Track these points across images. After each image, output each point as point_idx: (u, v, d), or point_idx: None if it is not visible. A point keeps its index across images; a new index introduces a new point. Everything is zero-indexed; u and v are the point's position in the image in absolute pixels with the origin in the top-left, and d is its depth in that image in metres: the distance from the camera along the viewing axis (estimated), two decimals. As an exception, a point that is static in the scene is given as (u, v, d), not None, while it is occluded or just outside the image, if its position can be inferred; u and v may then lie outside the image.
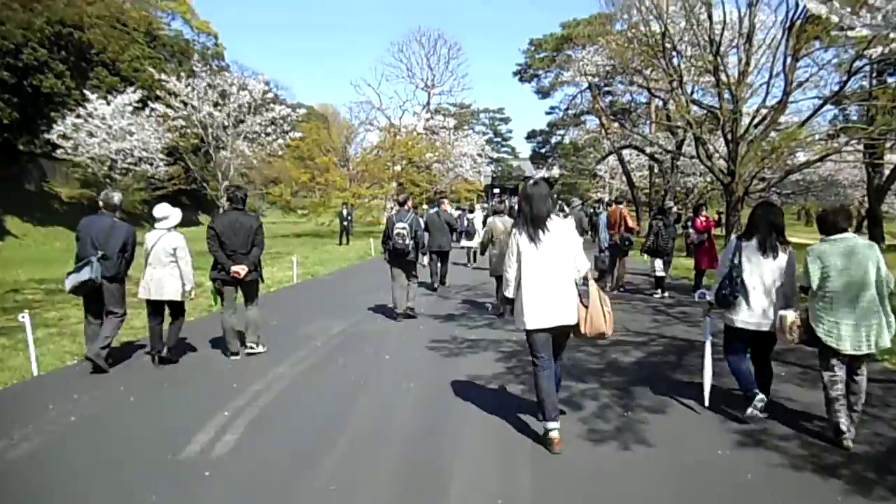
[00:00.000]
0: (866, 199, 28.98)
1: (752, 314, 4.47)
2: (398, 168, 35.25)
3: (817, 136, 23.03)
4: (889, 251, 25.24)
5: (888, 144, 23.25)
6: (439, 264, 12.12)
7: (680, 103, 19.58)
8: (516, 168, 63.03)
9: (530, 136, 52.28)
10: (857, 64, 18.60)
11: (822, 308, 4.14)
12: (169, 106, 25.75)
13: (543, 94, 35.51)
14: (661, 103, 26.52)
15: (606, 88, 27.69)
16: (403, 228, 8.41)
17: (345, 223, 26.14)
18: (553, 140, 47.16)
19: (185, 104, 25.68)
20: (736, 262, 4.49)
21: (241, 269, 6.29)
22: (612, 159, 37.62)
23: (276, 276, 13.59)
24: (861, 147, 21.53)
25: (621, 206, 11.83)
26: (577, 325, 4.18)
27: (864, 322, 4.03)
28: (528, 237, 4.11)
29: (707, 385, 4.88)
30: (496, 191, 50.29)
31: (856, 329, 4.03)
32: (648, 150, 28.70)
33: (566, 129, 38.70)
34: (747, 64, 19.96)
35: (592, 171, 46.05)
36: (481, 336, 7.63)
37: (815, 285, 4.15)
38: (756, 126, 20.26)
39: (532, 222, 4.12)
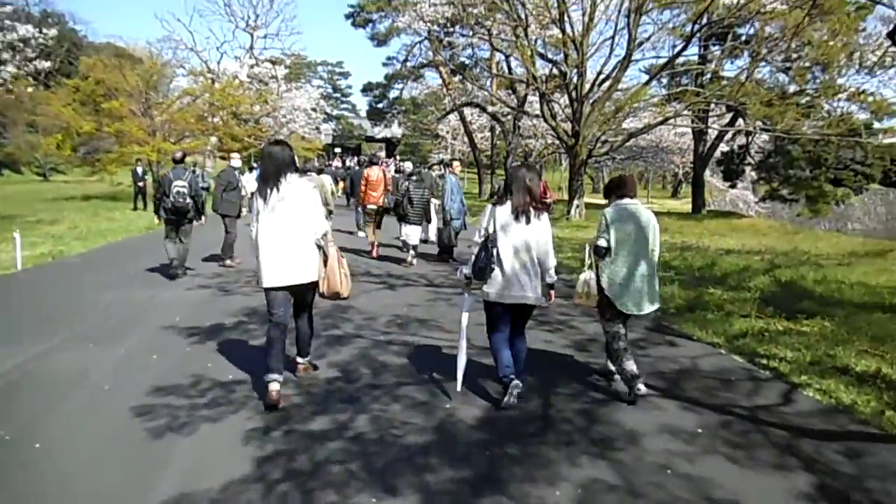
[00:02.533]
0: (689, 165, 30.24)
1: (509, 286, 4.15)
2: (217, 120, 30.38)
3: (655, 99, 22.82)
4: (710, 217, 26.40)
5: (715, 111, 23.78)
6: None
7: (525, 53, 17.80)
8: (358, 126, 59.49)
9: (366, 89, 48.27)
10: (693, 28, 18.19)
11: (612, 270, 4.41)
12: None
13: (379, 41, 32.36)
14: (503, 58, 24.85)
15: (447, 39, 25.36)
16: (183, 187, 8.17)
17: (140, 184, 21.46)
18: (391, 94, 44.07)
19: None
20: (491, 230, 4.20)
21: None
22: (453, 118, 35.90)
23: (-10, 260, 9.62)
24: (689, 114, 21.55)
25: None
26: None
27: (648, 284, 4.43)
28: (261, 196, 4.15)
29: (461, 367, 4.42)
30: (337, 150, 46.82)
31: (639, 290, 4.39)
32: (490, 108, 27.17)
33: (404, 83, 35.92)
34: (591, 18, 18.70)
35: (434, 131, 44.23)
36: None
37: (612, 247, 4.38)
38: (600, 84, 19.20)
39: (263, 180, 4.21)
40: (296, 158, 4.44)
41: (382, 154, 47.80)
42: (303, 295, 4.39)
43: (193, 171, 9.05)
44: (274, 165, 4.17)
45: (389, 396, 4.38)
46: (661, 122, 20.66)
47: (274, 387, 4.08)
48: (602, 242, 4.40)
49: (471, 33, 24.07)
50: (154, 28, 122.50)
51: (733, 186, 32.67)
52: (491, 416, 4.10)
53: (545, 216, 4.26)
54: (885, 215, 63.82)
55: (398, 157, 43.92)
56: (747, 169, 29.66)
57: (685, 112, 20.39)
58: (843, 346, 5.92)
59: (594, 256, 4.59)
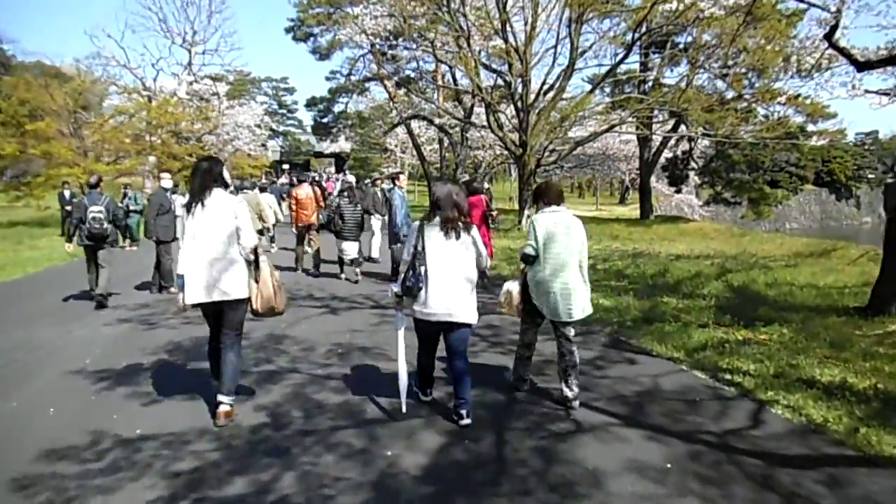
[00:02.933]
0: (634, 172, 30.67)
1: (437, 303, 4.02)
2: (155, 139, 29.05)
3: (600, 108, 22.95)
4: (658, 222, 26.70)
5: (658, 118, 24.11)
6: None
7: (468, 64, 17.54)
8: (305, 142, 58.46)
9: (310, 104, 47.09)
10: (633, 37, 18.35)
11: (540, 277, 4.39)
12: None
13: (321, 55, 31.57)
14: (448, 69, 24.61)
15: (391, 52, 24.96)
16: (99, 212, 7.91)
17: (68, 208, 20.13)
18: (336, 109, 43.25)
19: None
20: (419, 248, 4.08)
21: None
22: (401, 132, 35.46)
23: None
24: (633, 121, 21.75)
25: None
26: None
27: (576, 290, 4.39)
28: (188, 212, 4.15)
29: (403, 389, 4.31)
30: (285, 166, 45.70)
31: (567, 297, 4.35)
32: (437, 120, 26.84)
33: (349, 97, 35.29)
34: (533, 27, 18.64)
35: (383, 145, 43.67)
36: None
37: (540, 255, 4.37)
38: (545, 94, 19.13)
39: (190, 195, 4.26)
40: (225, 174, 4.39)
41: (332, 170, 46.98)
42: (228, 314, 4.25)
43: (125, 195, 8.75)
44: (200, 180, 4.18)
45: (323, 445, 3.85)
46: (607, 130, 20.75)
47: (223, 409, 4.17)
48: (529, 249, 4.41)
49: (414, 46, 23.76)
50: (83, 45, 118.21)
51: (679, 191, 33.32)
52: (437, 464, 3.62)
53: (474, 231, 4.16)
54: (820, 214, 66.89)
55: (347, 172, 43.22)
56: (691, 174, 30.29)
57: (630, 119, 20.55)
58: (804, 355, 5.71)
59: (521, 263, 4.64)
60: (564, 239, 4.38)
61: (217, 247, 4.10)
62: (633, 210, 35.58)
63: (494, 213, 10.21)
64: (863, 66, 8.77)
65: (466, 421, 4.11)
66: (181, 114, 31.09)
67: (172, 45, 39.73)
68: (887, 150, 76.15)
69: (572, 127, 21.47)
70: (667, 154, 30.34)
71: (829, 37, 8.75)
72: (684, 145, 28.46)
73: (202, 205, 4.12)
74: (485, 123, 20.63)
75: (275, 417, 4.30)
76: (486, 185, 15.45)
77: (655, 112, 22.60)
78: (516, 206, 21.42)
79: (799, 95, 22.12)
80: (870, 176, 70.68)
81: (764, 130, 19.40)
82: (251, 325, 5.34)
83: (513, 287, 4.71)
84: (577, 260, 4.41)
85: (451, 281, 4.02)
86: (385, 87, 27.93)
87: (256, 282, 4.23)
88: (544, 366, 5.46)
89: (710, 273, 11.21)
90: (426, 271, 4.02)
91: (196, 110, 34.19)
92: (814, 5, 9.44)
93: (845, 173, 66.22)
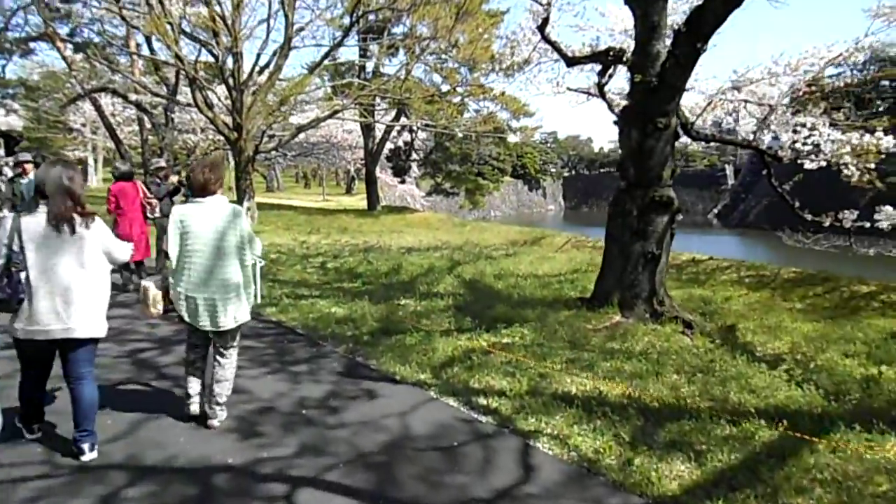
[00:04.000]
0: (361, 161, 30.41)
1: (42, 317, 3.27)
2: None
3: (320, 92, 21.78)
4: (386, 213, 26.70)
5: (381, 107, 23.93)
6: None
7: (160, 28, 14.68)
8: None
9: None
10: (350, 20, 17.57)
11: (181, 278, 3.78)
12: None
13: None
14: (141, 36, 20.85)
15: (62, 6, 20.15)
16: None
17: None
18: (-7, 74, 34.36)
19: None
20: (16, 247, 3.24)
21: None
22: (90, 109, 29.47)
23: None
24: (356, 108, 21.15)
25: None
26: None
27: (224, 295, 3.75)
28: None
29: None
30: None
31: (212, 303, 3.73)
32: (133, 96, 22.66)
33: (7, 59, 27.98)
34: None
35: (66, 124, 36.09)
36: None
37: (174, 253, 3.78)
38: (260, 72, 17.20)
39: None
40: None
41: (1, 152, 37.13)
42: None
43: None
44: None
45: None
46: (329, 116, 19.65)
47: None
48: (169, 248, 3.81)
49: (96, 2, 19.44)
50: None
51: (403, 182, 34.13)
52: None
53: (97, 223, 3.43)
54: (516, 203, 76.68)
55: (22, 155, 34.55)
56: (413, 164, 31.18)
57: (352, 106, 19.75)
58: (550, 360, 5.30)
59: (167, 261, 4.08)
60: (210, 234, 3.71)
61: None
62: (360, 200, 35.39)
63: (153, 203, 8.47)
64: (571, 60, 9.05)
65: (90, 455, 3.45)
66: None
67: None
68: (564, 149, 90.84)
69: (292, 111, 19.88)
70: (390, 144, 30.66)
71: (541, 29, 8.83)
72: (406, 136, 29.02)
73: None
74: (191, 102, 17.79)
75: None
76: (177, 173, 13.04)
77: (378, 101, 22.31)
78: (235, 198, 19.06)
79: (504, 92, 24.09)
80: (552, 170, 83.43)
81: (479, 125, 20.34)
82: None
83: (149, 284, 4.02)
84: (228, 261, 3.75)
85: (66, 287, 3.30)
86: (58, 49, 22.56)
87: None
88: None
89: (442, 267, 10.90)
90: (28, 278, 3.26)
91: None
92: (528, -4, 9.57)
93: (534, 167, 76.86)
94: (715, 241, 43.73)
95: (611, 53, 8.20)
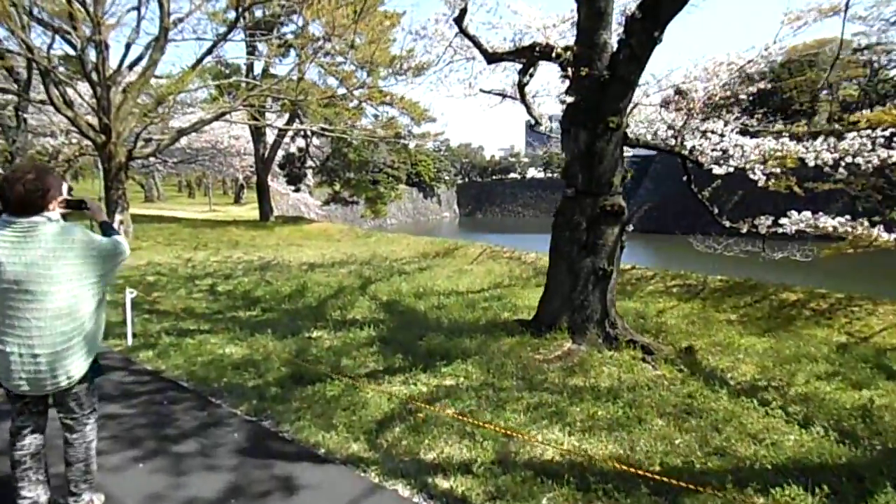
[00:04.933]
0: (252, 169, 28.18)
1: None
2: None
3: (202, 93, 19.72)
4: (280, 224, 24.75)
5: (272, 108, 22.18)
6: None
7: (6, 14, 12.30)
8: None
9: None
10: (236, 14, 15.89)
11: None
12: None
13: None
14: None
15: None
16: None
17: None
18: None
19: None
20: None
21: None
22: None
23: None
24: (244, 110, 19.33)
25: None
26: None
27: (52, 347, 2.61)
28: None
29: None
30: None
31: (34, 358, 2.60)
32: (-27, 93, 19.37)
33: None
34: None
35: None
36: None
37: None
38: (131, 67, 15.07)
39: None
40: None
41: None
42: None
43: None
44: None
45: None
46: (215, 119, 17.69)
47: None
48: None
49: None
50: None
51: (298, 190, 32.10)
52: None
53: None
54: (412, 211, 75.97)
55: None
56: (309, 172, 29.35)
57: (240, 107, 17.91)
58: (508, 408, 4.32)
59: None
60: (29, 265, 2.56)
61: None
62: (250, 210, 32.93)
63: None
64: (492, 57, 8.21)
65: None
66: None
67: None
68: (457, 156, 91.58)
69: (172, 113, 17.71)
70: (283, 151, 28.67)
71: (458, 21, 7.94)
72: (301, 142, 27.20)
73: None
74: (45, 99, 15.25)
75: None
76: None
77: (269, 103, 20.56)
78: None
79: (404, 97, 23.07)
80: (446, 177, 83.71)
81: (382, 129, 19.20)
82: None
83: None
84: (51, 297, 2.60)
85: None
86: None
87: None
88: None
89: (353, 286, 9.68)
90: None
91: None
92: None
93: (429, 175, 76.68)
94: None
95: (537, 49, 7.44)
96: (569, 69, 6.74)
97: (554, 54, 6.89)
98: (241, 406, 4.46)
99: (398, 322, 7.13)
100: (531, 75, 8.74)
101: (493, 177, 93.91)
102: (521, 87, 8.82)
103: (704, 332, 7.10)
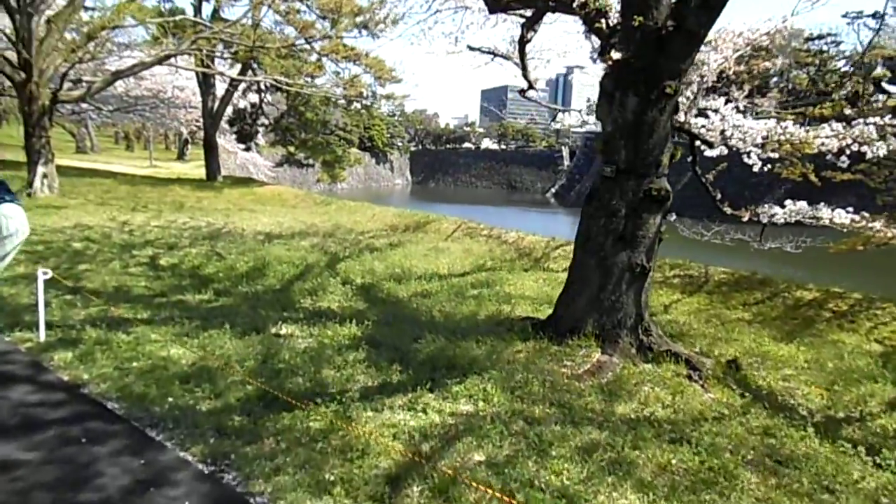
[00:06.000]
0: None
1: None
2: None
3: (147, 33, 17.60)
4: (228, 185, 22.84)
5: (225, 55, 20.22)
6: None
7: None
8: None
9: None
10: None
11: None
12: None
13: None
14: None
15: None
16: None
17: None
18: None
19: None
20: None
21: None
22: None
23: None
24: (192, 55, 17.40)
25: None
26: None
27: None
28: None
29: None
30: None
31: None
32: None
33: None
34: None
35: None
36: None
37: None
38: (59, -5, 13.02)
39: None
40: None
41: None
42: None
43: None
44: None
45: None
46: (157, 62, 15.70)
47: None
48: None
49: None
50: None
51: (248, 149, 29.96)
52: None
53: None
54: (364, 176, 73.76)
55: None
56: (261, 130, 27.29)
57: (187, 51, 15.97)
58: (555, 450, 3.29)
59: None
60: None
61: None
62: (195, 168, 30.54)
63: None
64: (495, 5, 7.01)
65: None
66: None
67: None
68: (411, 123, 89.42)
69: (107, 52, 15.61)
70: (233, 105, 26.47)
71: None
72: (253, 97, 25.08)
73: None
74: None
75: None
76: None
77: (220, 50, 18.59)
78: (25, 158, 14.49)
79: (369, 54, 21.39)
80: (399, 144, 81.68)
81: (346, 87, 17.64)
82: None
83: None
84: None
85: None
86: None
87: None
88: None
89: (319, 262, 8.43)
90: None
91: None
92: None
93: (382, 140, 74.48)
94: (553, 219, 45.10)
95: (552, -3, 6.32)
96: (602, 21, 5.63)
97: (576, 4, 5.74)
98: (194, 447, 3.25)
99: (382, 315, 5.97)
100: (535, 31, 7.62)
101: (448, 145, 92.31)
102: (522, 43, 7.69)
103: (727, 336, 6.30)
